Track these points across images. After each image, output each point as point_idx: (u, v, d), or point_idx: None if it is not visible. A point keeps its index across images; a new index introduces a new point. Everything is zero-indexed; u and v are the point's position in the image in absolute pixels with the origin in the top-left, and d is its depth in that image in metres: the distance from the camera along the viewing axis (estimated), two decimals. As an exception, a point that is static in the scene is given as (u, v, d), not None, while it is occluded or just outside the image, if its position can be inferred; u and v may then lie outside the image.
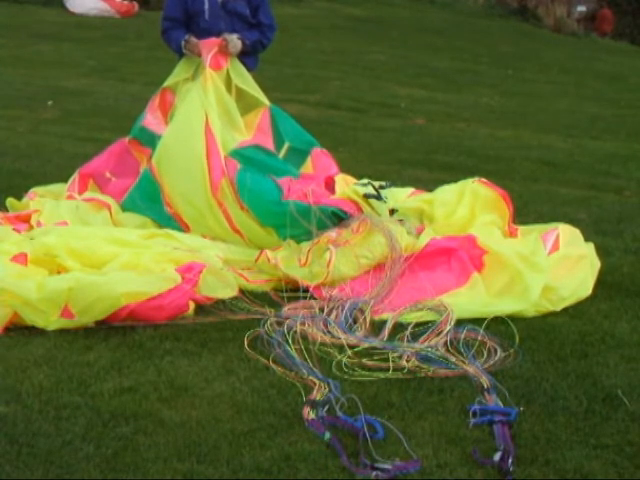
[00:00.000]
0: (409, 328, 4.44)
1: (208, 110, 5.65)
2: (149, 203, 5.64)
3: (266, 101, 6.09)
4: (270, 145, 5.97)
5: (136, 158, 6.06)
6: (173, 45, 6.09)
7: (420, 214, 5.47)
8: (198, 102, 5.70)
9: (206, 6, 6.08)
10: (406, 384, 3.91)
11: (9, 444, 3.34)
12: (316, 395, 3.75)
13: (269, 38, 6.20)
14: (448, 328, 4.41)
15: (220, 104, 5.75)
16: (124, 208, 5.73)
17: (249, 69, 6.10)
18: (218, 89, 5.78)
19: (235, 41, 5.92)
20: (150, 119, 6.05)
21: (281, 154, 5.97)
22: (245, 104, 6.03)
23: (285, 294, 4.82)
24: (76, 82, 12.04)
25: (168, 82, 6.08)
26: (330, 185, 5.71)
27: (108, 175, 6.03)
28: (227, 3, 6.10)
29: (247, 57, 6.10)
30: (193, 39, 5.93)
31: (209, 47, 5.80)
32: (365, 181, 5.78)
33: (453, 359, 4.14)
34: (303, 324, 4.43)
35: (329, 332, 4.40)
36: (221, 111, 5.75)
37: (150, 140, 5.90)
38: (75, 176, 6.11)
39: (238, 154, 5.65)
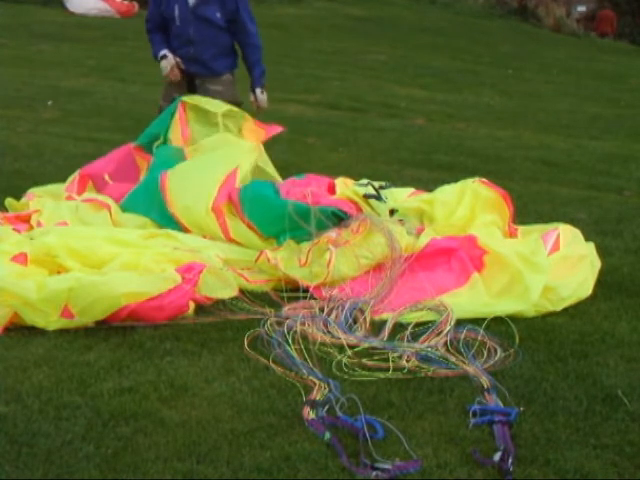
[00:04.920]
0: (409, 328, 4.44)
1: (242, 165, 5.71)
2: (151, 203, 5.64)
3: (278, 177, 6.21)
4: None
5: (138, 165, 6.10)
6: (152, 52, 6.44)
7: (420, 214, 5.46)
8: (236, 156, 5.78)
9: (176, 12, 6.29)
10: (406, 384, 3.91)
11: (9, 444, 3.34)
12: (316, 395, 3.74)
13: (257, 55, 6.44)
14: (448, 328, 4.41)
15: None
16: (124, 207, 5.73)
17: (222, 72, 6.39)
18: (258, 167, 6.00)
19: (263, 100, 6.44)
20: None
21: None
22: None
23: (285, 294, 4.82)
24: (76, 82, 12.05)
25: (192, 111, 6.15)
26: (332, 190, 5.71)
27: (106, 178, 6.04)
28: (197, 8, 6.25)
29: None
30: (165, 61, 6.28)
31: (268, 133, 5.92)
32: (365, 181, 5.79)
33: (453, 359, 4.14)
34: (303, 324, 4.43)
35: (329, 332, 4.39)
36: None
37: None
38: (75, 176, 6.11)
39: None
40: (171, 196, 5.54)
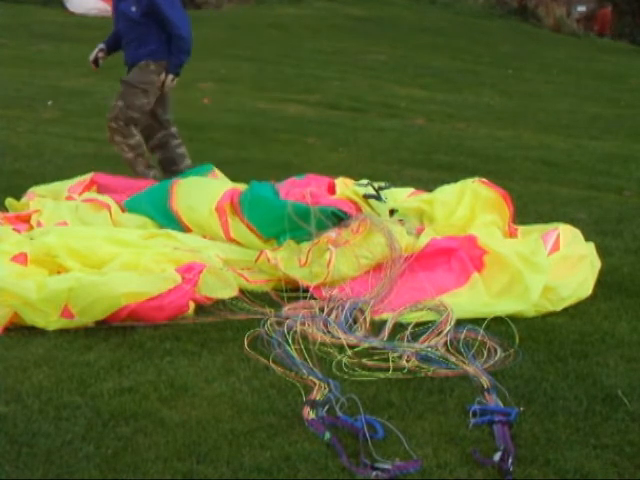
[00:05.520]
0: (409, 328, 4.43)
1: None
2: (153, 202, 5.65)
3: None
4: None
5: None
6: None
7: (420, 214, 5.46)
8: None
9: (114, 10, 6.80)
10: (406, 384, 3.91)
11: (9, 444, 3.33)
12: (316, 395, 3.74)
13: (177, 44, 6.56)
14: (448, 328, 4.41)
15: None
16: (126, 206, 5.74)
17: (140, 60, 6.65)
18: None
19: (169, 86, 6.70)
20: None
21: None
22: None
23: (285, 294, 4.82)
24: (76, 82, 12.05)
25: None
26: (332, 190, 5.71)
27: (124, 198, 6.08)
28: (119, 4, 6.65)
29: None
30: (93, 52, 6.82)
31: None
32: (365, 181, 5.79)
33: (453, 359, 4.14)
34: (303, 324, 4.43)
35: (329, 332, 4.39)
36: None
37: None
38: (86, 178, 6.11)
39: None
40: (177, 197, 5.59)
